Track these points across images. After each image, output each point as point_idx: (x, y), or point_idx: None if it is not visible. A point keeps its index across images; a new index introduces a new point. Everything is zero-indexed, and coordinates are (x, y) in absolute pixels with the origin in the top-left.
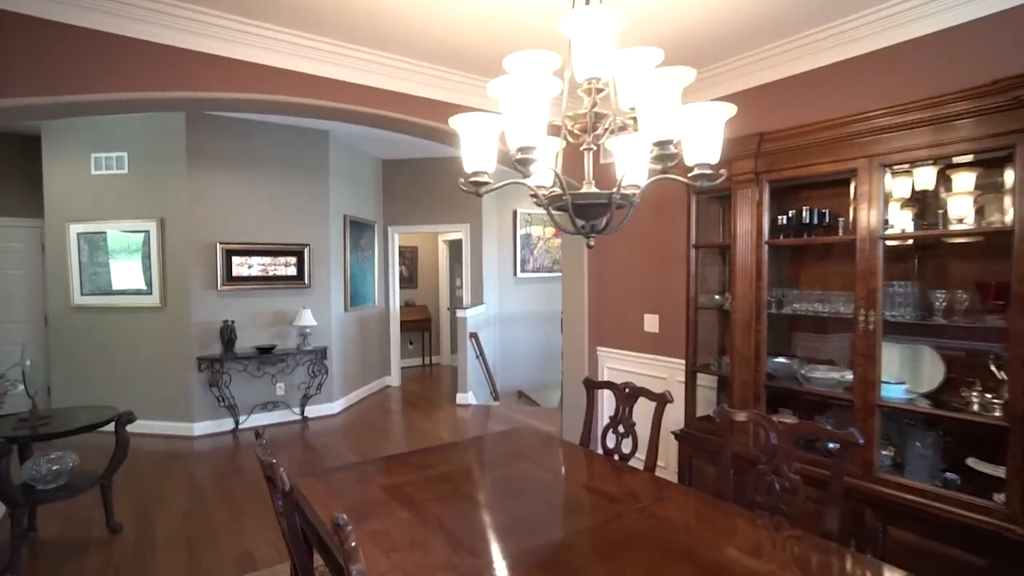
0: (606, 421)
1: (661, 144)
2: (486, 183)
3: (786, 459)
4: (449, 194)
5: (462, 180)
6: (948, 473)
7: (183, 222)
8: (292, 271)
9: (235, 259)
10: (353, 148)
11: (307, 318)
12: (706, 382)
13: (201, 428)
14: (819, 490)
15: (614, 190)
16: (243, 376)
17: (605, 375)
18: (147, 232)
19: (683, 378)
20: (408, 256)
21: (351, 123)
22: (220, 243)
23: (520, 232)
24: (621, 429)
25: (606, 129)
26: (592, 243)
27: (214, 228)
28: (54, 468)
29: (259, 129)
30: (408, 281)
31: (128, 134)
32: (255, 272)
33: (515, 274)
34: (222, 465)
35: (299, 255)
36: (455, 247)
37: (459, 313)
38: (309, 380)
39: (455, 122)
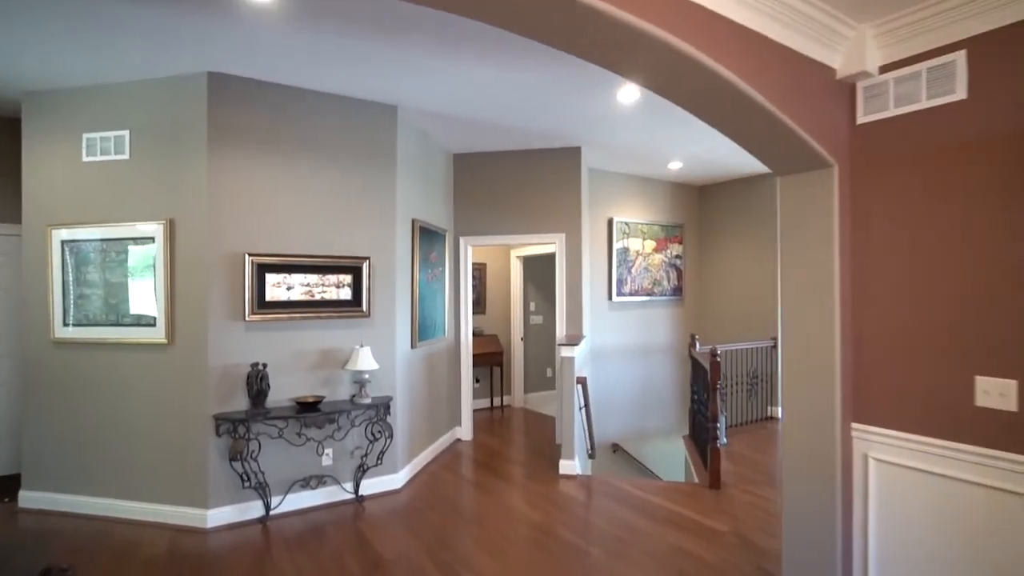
0: None
1: None
2: None
3: None
4: (537, 196)
5: None
6: None
7: (200, 225)
8: (346, 294)
9: (270, 277)
10: (423, 134)
11: (366, 360)
12: None
13: (218, 516)
14: None
15: None
16: (278, 444)
17: (871, 473)
18: (152, 239)
19: None
20: (476, 275)
21: None
22: (250, 255)
23: (616, 246)
24: None
25: None
26: None
27: (242, 234)
28: None
29: (305, 101)
30: (476, 305)
31: (131, 107)
32: (297, 295)
33: (610, 298)
34: None
35: (356, 272)
36: (533, 264)
37: (563, 351)
38: (367, 445)
39: None
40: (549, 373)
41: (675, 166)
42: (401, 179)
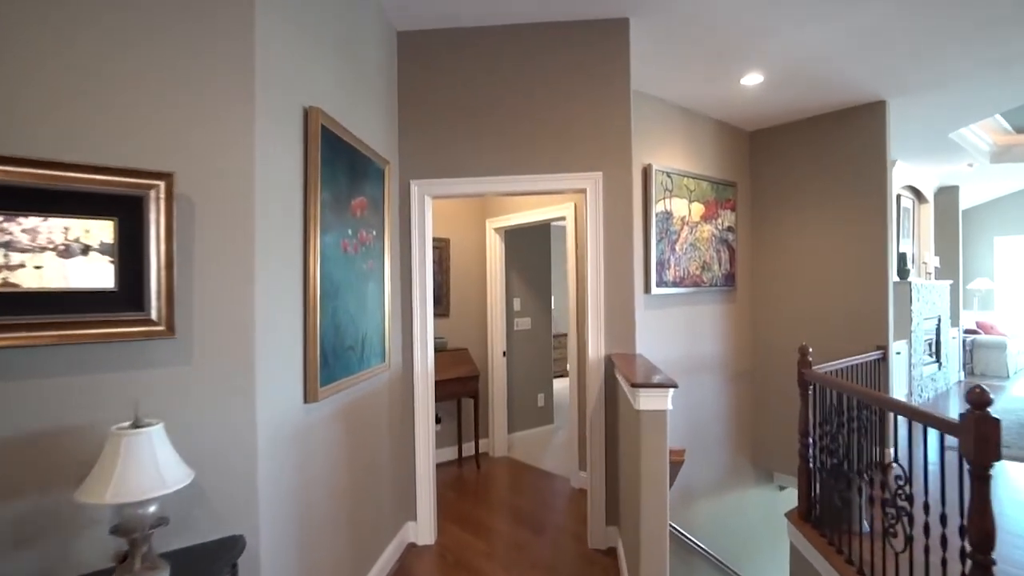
0: None
1: None
2: None
3: None
4: (554, 107)
5: None
6: None
7: None
8: (100, 273)
9: None
10: None
11: (150, 463)
12: None
13: None
14: None
15: None
16: None
17: None
18: None
19: None
20: (434, 256)
21: None
22: None
23: (655, 209)
24: None
25: None
26: None
27: None
28: None
29: None
30: (436, 304)
31: None
32: None
33: (647, 289)
34: None
35: (129, 213)
36: (518, 241)
37: (643, 399)
38: None
39: None
40: (542, 402)
41: (752, 81)
42: (270, 14)
